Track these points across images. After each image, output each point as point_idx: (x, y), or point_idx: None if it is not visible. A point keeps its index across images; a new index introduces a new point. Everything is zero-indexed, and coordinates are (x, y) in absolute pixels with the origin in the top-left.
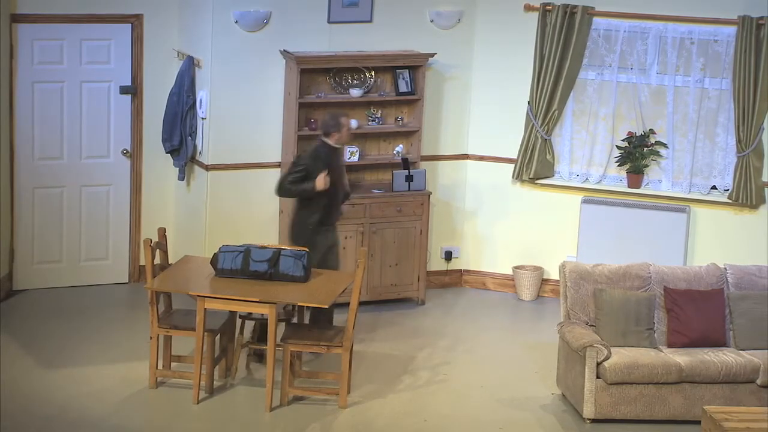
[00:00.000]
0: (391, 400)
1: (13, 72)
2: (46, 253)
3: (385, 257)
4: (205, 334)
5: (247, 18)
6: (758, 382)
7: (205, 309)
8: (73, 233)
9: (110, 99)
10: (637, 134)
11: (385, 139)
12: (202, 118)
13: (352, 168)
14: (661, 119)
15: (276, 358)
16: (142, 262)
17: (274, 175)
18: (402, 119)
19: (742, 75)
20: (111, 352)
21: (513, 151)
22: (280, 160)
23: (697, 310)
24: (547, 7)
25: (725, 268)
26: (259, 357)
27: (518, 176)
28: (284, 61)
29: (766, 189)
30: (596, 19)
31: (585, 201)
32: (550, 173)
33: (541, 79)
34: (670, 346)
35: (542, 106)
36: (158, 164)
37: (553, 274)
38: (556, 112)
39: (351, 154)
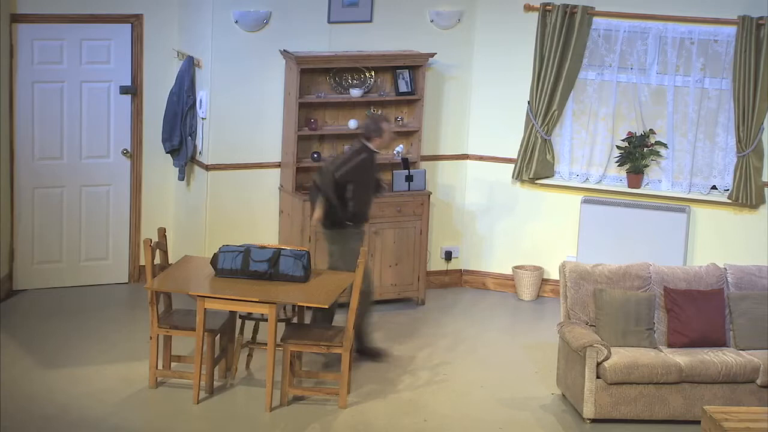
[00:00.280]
0: (391, 400)
1: (13, 72)
2: (46, 253)
3: (385, 257)
4: (205, 334)
5: (247, 18)
6: (758, 382)
7: (205, 309)
8: (73, 233)
9: (110, 99)
10: (637, 134)
11: None
12: (202, 118)
13: None
14: (661, 119)
15: (276, 359)
16: (142, 262)
17: (275, 175)
18: (402, 119)
19: (742, 75)
20: (111, 352)
21: (513, 151)
22: (280, 160)
23: (697, 310)
24: (547, 7)
25: (725, 268)
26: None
27: (518, 176)
28: (284, 61)
29: (766, 189)
30: (596, 19)
31: (585, 201)
32: (550, 173)
33: (541, 79)
34: (670, 346)
35: (542, 106)
36: (158, 164)
37: (553, 274)
38: (556, 112)
39: None
